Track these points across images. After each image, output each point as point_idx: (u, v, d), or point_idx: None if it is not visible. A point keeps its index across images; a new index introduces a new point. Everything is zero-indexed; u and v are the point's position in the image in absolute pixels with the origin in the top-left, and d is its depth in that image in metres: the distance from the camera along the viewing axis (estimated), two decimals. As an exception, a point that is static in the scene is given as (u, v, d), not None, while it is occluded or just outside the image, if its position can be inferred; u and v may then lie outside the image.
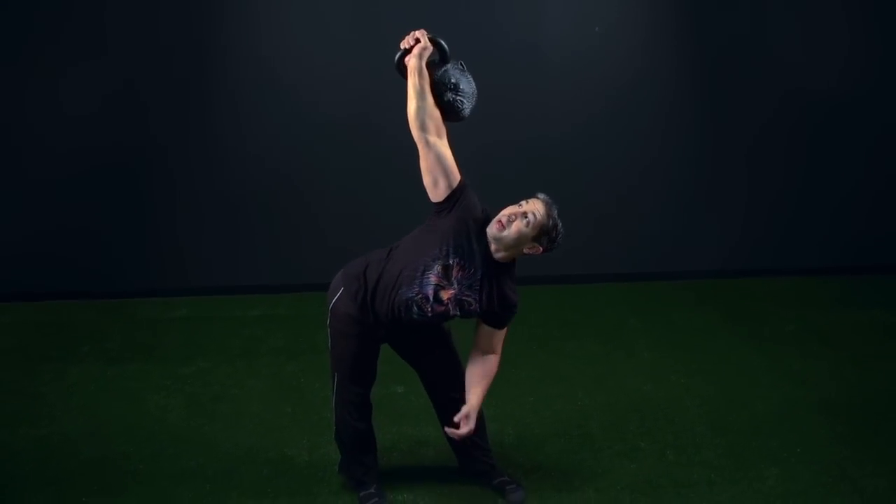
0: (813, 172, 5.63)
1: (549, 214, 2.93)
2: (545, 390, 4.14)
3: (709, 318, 5.04)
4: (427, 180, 2.94)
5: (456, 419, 3.03)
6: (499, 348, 3.13)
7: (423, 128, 2.90)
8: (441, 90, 2.96)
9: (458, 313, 2.98)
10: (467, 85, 3.00)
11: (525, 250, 2.95)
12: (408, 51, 2.96)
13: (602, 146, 5.51)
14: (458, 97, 2.98)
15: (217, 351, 4.63)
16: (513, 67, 5.33)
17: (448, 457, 3.48)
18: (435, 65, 2.98)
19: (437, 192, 2.94)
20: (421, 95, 2.91)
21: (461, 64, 3.03)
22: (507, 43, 5.33)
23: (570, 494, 3.30)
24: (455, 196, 2.94)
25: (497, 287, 2.98)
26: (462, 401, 3.09)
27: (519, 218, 2.90)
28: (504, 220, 2.90)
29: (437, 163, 2.91)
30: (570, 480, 3.39)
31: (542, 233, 2.92)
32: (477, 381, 3.11)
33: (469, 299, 2.95)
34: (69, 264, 5.39)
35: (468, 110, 3.03)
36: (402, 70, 2.98)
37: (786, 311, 5.14)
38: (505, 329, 3.10)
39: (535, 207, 2.92)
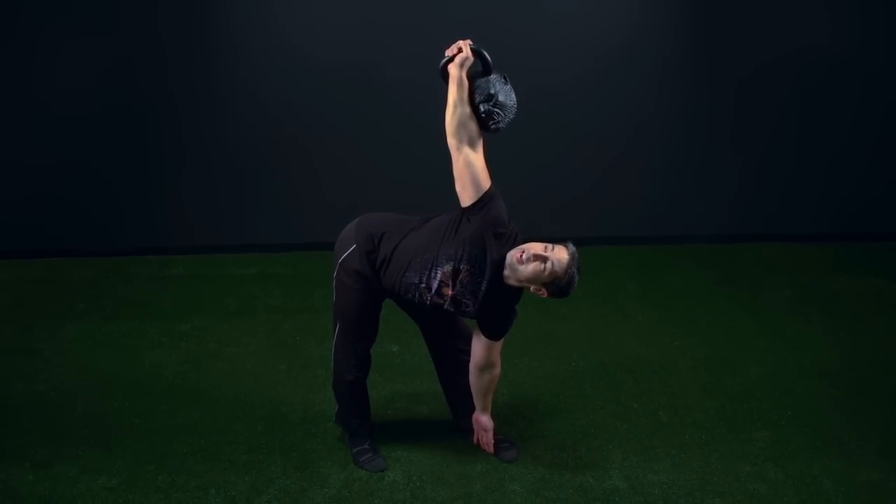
0: (809, 138, 5.59)
1: (567, 269, 2.93)
2: (540, 351, 4.16)
3: (704, 283, 5.04)
4: (457, 186, 2.97)
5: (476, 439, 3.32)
6: (498, 360, 3.20)
7: (455, 135, 2.93)
8: (478, 100, 2.96)
9: (452, 309, 3.05)
10: (506, 97, 2.99)
11: (532, 289, 2.98)
12: (451, 59, 2.97)
13: (598, 109, 5.46)
14: (495, 109, 2.97)
15: (213, 309, 4.64)
16: (508, 26, 5.26)
17: (441, 415, 3.51)
18: (478, 75, 2.99)
19: (464, 198, 2.96)
20: (457, 104, 2.93)
21: (504, 76, 3.02)
22: (500, 3, 5.27)
23: (562, 453, 3.33)
24: (481, 204, 2.94)
25: (497, 301, 3.02)
26: (462, 351, 3.25)
27: (539, 261, 2.90)
28: (525, 254, 2.91)
29: (466, 170, 2.92)
30: (562, 439, 3.42)
31: (553, 282, 2.94)
32: (482, 397, 3.25)
33: (467, 302, 3.01)
34: (66, 222, 5.38)
35: (505, 123, 3.01)
36: (446, 77, 2.99)
37: (781, 276, 5.14)
38: (501, 341, 3.15)
39: (558, 257, 2.92)
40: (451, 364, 3.35)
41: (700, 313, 4.60)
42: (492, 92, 2.96)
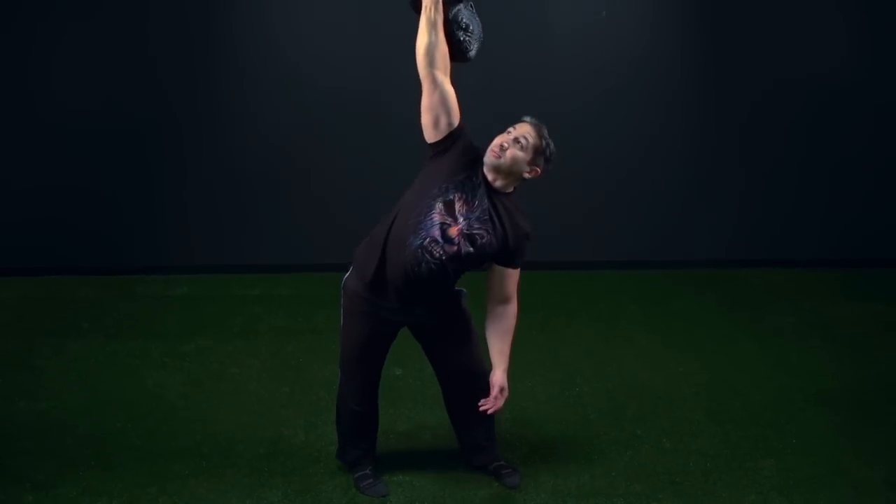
0: (813, 163, 5.60)
1: (540, 136, 2.93)
2: (543, 375, 4.14)
3: (707, 308, 5.03)
4: (427, 118, 2.90)
5: (483, 404, 3.01)
6: (514, 293, 3.04)
7: (432, 63, 2.86)
8: (453, 28, 2.92)
9: (472, 249, 2.87)
10: (477, 27, 2.98)
11: (525, 175, 2.95)
12: None
13: (603, 133, 5.49)
14: (469, 37, 2.95)
15: (217, 329, 4.63)
16: (515, 51, 5.30)
17: (445, 440, 3.48)
18: (448, 2, 2.93)
19: (437, 131, 2.90)
20: (434, 30, 2.86)
21: (471, 4, 2.99)
22: (510, 25, 5.29)
23: (565, 480, 3.30)
24: (454, 136, 2.91)
25: (507, 216, 2.93)
26: (478, 397, 3.06)
27: (512, 144, 2.89)
28: (497, 148, 2.89)
29: (442, 100, 2.87)
30: (566, 466, 3.39)
31: (538, 154, 2.93)
32: (499, 340, 3.05)
33: (480, 232, 2.88)
34: (70, 240, 5.39)
35: (475, 52, 3.00)
36: (417, 4, 2.91)
37: (784, 302, 5.13)
38: (518, 270, 3.02)
39: (525, 131, 2.91)
40: (463, 407, 3.20)
41: (703, 338, 4.59)
42: (465, 21, 2.94)
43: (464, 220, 2.87)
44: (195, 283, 5.29)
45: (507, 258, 2.99)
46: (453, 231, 2.86)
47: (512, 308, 3.06)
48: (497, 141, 2.91)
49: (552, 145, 2.96)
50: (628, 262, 5.64)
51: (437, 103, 2.88)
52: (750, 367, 4.27)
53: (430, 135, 2.92)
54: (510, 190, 2.97)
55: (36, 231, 5.38)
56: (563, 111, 5.40)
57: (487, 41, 5.13)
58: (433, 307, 3.04)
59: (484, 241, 2.89)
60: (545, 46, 5.35)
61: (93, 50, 5.18)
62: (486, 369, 3.11)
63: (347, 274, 3.07)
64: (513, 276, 3.02)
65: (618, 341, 4.56)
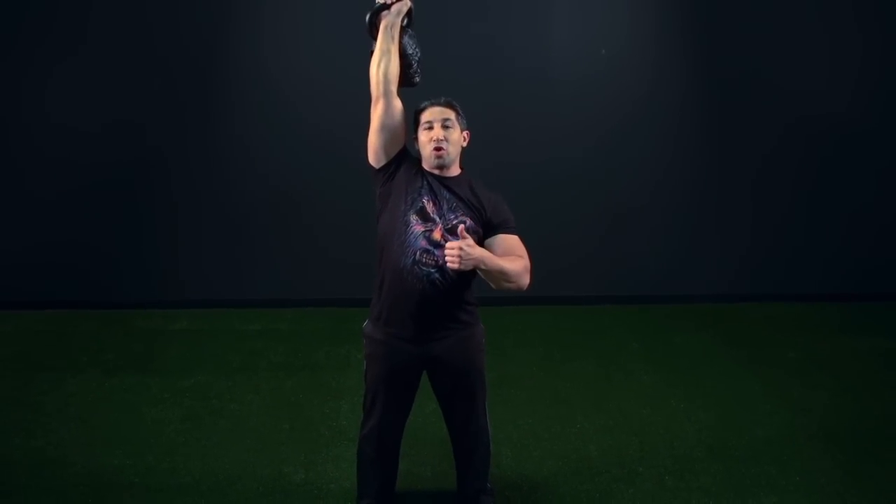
0: (817, 199, 5.63)
1: (448, 104, 2.98)
2: (544, 412, 4.11)
3: (709, 343, 5.02)
4: (383, 137, 2.93)
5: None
6: (523, 256, 2.95)
7: (392, 84, 2.91)
8: (408, 53, 2.97)
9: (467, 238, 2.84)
10: (420, 52, 3.03)
11: (463, 145, 2.99)
12: (385, 6, 2.92)
13: (607, 169, 5.53)
14: (419, 64, 3.01)
15: (216, 364, 4.61)
16: (520, 91, 5.36)
17: (445, 477, 3.45)
18: (402, 28, 2.97)
19: (392, 148, 2.94)
20: (394, 54, 2.92)
21: (412, 33, 3.03)
22: (513, 67, 5.36)
23: (567, 518, 3.27)
24: (404, 151, 2.98)
25: (470, 192, 2.95)
26: (476, 452, 3.09)
27: (443, 132, 2.91)
28: (434, 147, 2.91)
29: (402, 118, 2.93)
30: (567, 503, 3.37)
31: (460, 117, 2.98)
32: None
33: (461, 219, 2.90)
34: (70, 274, 5.39)
35: (419, 79, 3.05)
36: (375, 25, 2.93)
37: (786, 337, 5.12)
38: (515, 236, 2.97)
39: (441, 113, 2.95)
40: (463, 451, 3.14)
41: (705, 374, 4.57)
42: (416, 47, 2.99)
43: (440, 219, 2.89)
44: (195, 318, 5.28)
45: (494, 227, 2.96)
46: (437, 235, 2.87)
47: (523, 261, 2.94)
48: (429, 138, 2.93)
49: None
50: (629, 296, 5.64)
51: (398, 124, 2.93)
52: (752, 403, 4.24)
53: (380, 157, 2.97)
54: (459, 171, 3.01)
55: (38, 264, 5.38)
56: (569, 147, 5.45)
57: (492, 85, 5.25)
58: (451, 327, 2.97)
59: (470, 223, 2.91)
60: (549, 85, 5.40)
61: (95, 91, 5.23)
62: (487, 427, 3.10)
63: (366, 321, 3.05)
64: (511, 240, 2.97)
65: (619, 377, 4.54)
